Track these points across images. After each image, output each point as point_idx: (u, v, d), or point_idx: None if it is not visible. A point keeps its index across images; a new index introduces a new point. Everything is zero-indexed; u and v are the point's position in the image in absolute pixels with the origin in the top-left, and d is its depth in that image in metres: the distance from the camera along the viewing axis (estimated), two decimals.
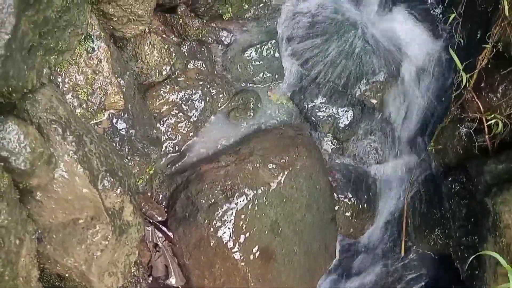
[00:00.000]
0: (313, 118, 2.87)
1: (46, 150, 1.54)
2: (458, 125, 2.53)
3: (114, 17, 2.13)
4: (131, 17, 2.16)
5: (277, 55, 2.87)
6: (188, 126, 2.66)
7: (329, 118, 2.85)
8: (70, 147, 1.65)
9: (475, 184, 2.39)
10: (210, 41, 2.76)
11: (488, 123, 2.29)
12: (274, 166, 2.57)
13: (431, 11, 2.74)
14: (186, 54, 2.66)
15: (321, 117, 2.86)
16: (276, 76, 2.89)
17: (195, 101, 2.68)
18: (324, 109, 2.86)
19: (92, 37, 1.99)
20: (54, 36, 1.64)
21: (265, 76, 2.88)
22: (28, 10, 1.34)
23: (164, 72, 2.53)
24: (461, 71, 2.25)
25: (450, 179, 2.57)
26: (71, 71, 1.96)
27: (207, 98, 2.71)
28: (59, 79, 1.94)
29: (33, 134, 1.51)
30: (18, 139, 1.45)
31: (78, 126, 1.77)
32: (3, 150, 1.42)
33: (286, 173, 2.56)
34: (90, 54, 2.00)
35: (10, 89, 1.30)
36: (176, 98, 2.63)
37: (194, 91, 2.68)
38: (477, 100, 2.35)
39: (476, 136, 2.45)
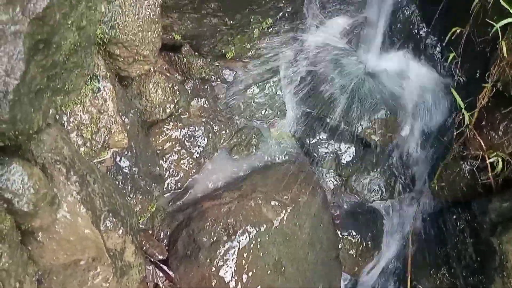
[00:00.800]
0: (315, 155, 2.88)
1: (50, 191, 1.54)
2: (461, 163, 2.52)
3: (120, 58, 2.17)
4: (136, 58, 2.21)
5: (279, 92, 2.91)
6: (190, 162, 2.67)
7: (331, 155, 2.86)
8: (73, 187, 1.65)
9: (480, 223, 2.36)
10: (213, 79, 2.81)
11: (490, 161, 2.29)
12: (276, 203, 2.56)
13: (430, 51, 2.80)
14: (189, 92, 2.70)
15: (323, 153, 2.87)
16: (278, 113, 2.92)
17: (198, 137, 2.70)
18: (326, 145, 2.88)
19: (98, 77, 2.03)
20: (61, 78, 1.67)
21: (267, 112, 2.91)
22: (38, 55, 1.38)
23: (167, 110, 2.56)
24: (462, 110, 2.27)
25: (454, 217, 2.55)
26: (77, 110, 1.98)
27: (210, 134, 2.73)
28: (64, 118, 1.96)
29: (37, 175, 1.51)
30: (22, 181, 1.45)
31: (82, 165, 1.77)
32: (7, 191, 1.42)
33: (289, 210, 2.55)
34: (95, 94, 2.03)
35: (17, 132, 1.31)
36: (179, 135, 2.65)
37: (197, 128, 2.70)
38: (479, 138, 2.35)
39: (479, 174, 2.43)
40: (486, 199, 2.36)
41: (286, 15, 2.73)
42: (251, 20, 2.67)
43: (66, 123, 1.96)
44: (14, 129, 1.29)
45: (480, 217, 2.35)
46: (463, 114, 2.32)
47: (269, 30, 2.77)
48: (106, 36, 2.06)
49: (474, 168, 2.45)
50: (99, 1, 1.64)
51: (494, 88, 2.28)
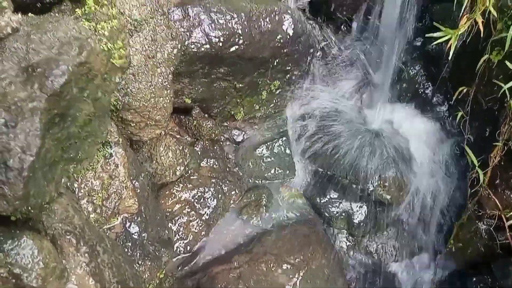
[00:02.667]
0: (326, 214, 2.82)
1: (59, 264, 1.50)
2: (477, 222, 2.46)
3: (132, 123, 2.21)
4: (148, 122, 2.24)
5: (288, 151, 2.92)
6: (200, 224, 2.62)
7: (343, 214, 2.81)
8: (83, 258, 1.61)
9: (501, 286, 2.26)
10: (222, 139, 2.83)
11: (508, 222, 2.23)
12: (289, 266, 2.48)
13: (437, 109, 2.82)
14: (199, 153, 2.71)
15: (334, 212, 2.82)
16: (288, 172, 2.91)
17: (208, 199, 2.68)
18: (337, 204, 2.83)
19: (111, 143, 2.05)
20: (75, 147, 1.68)
21: (276, 172, 2.90)
22: (53, 129, 1.39)
23: (178, 172, 2.56)
24: (476, 168, 2.24)
25: (474, 279, 2.45)
26: (88, 176, 1.99)
27: (219, 195, 2.71)
28: (75, 185, 1.95)
29: (47, 248, 1.48)
30: (32, 255, 1.42)
31: (92, 234, 1.74)
32: (16, 266, 1.39)
33: (301, 274, 2.46)
34: (107, 160, 2.04)
35: (30, 208, 1.30)
36: (189, 197, 2.63)
37: (206, 189, 2.68)
38: (493, 197, 2.31)
39: (497, 234, 2.37)
40: (506, 262, 2.27)
41: (294, 77, 2.80)
42: (259, 82, 2.73)
43: (77, 189, 1.95)
44: (27, 205, 1.28)
45: (502, 281, 2.25)
46: (476, 172, 2.30)
47: (277, 92, 2.83)
48: (119, 103, 2.11)
49: (491, 228, 2.39)
50: (114, 72, 1.68)
51: (505, 147, 2.27)
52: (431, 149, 2.72)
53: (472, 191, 2.39)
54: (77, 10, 1.52)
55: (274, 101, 2.86)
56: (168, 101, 2.26)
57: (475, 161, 2.26)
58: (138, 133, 2.28)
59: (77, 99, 1.46)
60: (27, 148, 1.23)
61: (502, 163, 2.30)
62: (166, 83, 2.23)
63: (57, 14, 1.50)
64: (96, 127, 1.78)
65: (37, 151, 1.25)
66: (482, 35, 2.15)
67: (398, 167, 2.72)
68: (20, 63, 1.31)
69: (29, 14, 1.42)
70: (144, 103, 2.17)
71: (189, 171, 2.65)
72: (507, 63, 2.05)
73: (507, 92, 2.10)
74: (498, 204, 2.31)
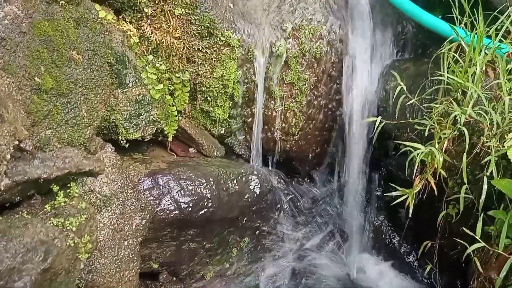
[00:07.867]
0: None
1: None
2: None
3: None
4: None
5: None
6: None
7: None
8: None
9: None
10: None
11: None
12: None
13: (407, 260, 2.84)
14: None
15: None
16: None
17: None
18: None
19: None
20: None
21: None
22: None
23: None
24: None
25: None
26: None
27: None
28: None
29: None
30: None
31: None
32: None
33: None
34: None
35: None
36: None
37: None
38: None
39: None
40: None
41: (263, 233, 2.80)
42: (229, 240, 2.71)
43: None
44: None
45: None
46: None
47: (247, 249, 2.79)
48: (82, 282, 1.99)
49: None
50: (79, 263, 1.62)
51: None
52: None
53: None
54: (46, 205, 1.51)
55: (245, 258, 2.81)
56: (134, 273, 2.17)
57: None
58: None
59: None
60: None
61: None
62: (133, 255, 2.16)
63: (25, 213, 1.48)
64: None
65: None
66: (436, 193, 2.28)
67: None
68: None
69: None
70: (108, 279, 2.07)
71: None
72: (467, 231, 2.11)
73: (471, 252, 2.15)
74: None
